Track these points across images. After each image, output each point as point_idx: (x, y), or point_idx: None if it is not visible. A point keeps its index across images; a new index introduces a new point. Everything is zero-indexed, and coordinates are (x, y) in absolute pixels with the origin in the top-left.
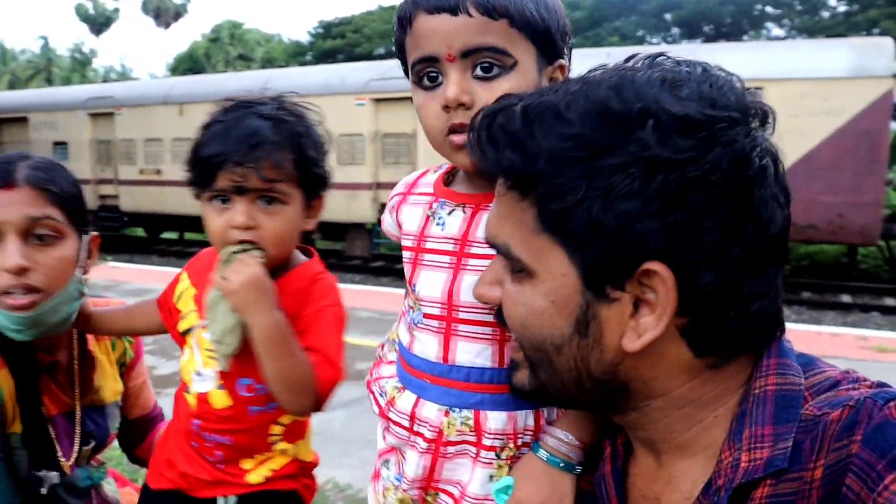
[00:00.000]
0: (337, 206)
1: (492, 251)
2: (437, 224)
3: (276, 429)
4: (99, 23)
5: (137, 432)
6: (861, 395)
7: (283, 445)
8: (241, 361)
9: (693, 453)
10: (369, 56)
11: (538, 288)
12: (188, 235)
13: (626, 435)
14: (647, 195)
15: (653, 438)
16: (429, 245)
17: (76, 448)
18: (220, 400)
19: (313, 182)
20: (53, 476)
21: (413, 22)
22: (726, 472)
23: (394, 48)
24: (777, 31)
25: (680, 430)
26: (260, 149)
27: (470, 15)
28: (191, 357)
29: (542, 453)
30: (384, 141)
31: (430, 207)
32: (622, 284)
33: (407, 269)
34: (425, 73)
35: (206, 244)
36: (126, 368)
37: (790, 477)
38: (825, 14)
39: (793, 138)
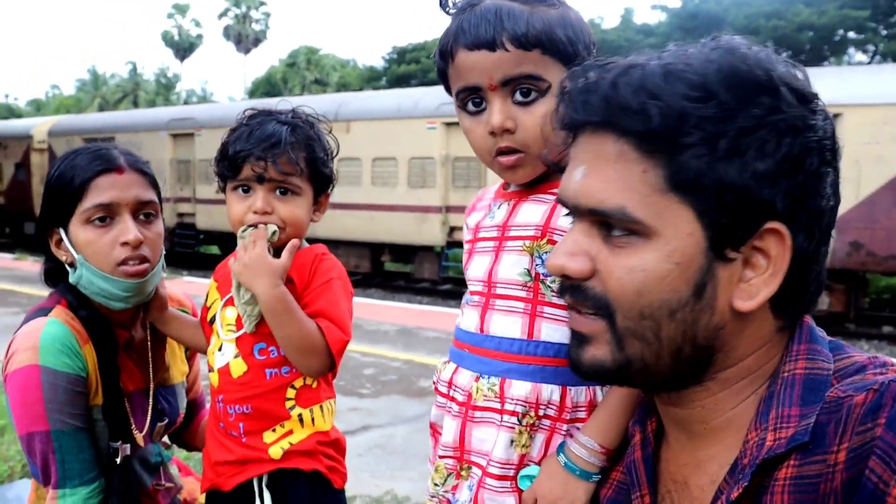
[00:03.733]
0: (407, 229)
1: (522, 230)
2: (489, 216)
3: (291, 392)
4: (183, 48)
5: (187, 415)
6: (886, 378)
7: (298, 410)
8: (256, 328)
9: (724, 437)
10: None
11: (660, 250)
12: None
13: (658, 421)
14: (779, 156)
15: (694, 419)
16: (480, 234)
17: (148, 422)
18: (238, 368)
19: (321, 179)
20: (127, 448)
21: (454, 56)
22: (751, 451)
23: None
24: (860, 56)
25: (723, 410)
26: (278, 146)
27: (506, 49)
28: (216, 340)
29: (562, 458)
30: (455, 164)
31: (490, 208)
32: (741, 244)
33: (464, 258)
34: (469, 99)
35: None
36: (190, 352)
37: (814, 459)
38: None
39: (874, 165)
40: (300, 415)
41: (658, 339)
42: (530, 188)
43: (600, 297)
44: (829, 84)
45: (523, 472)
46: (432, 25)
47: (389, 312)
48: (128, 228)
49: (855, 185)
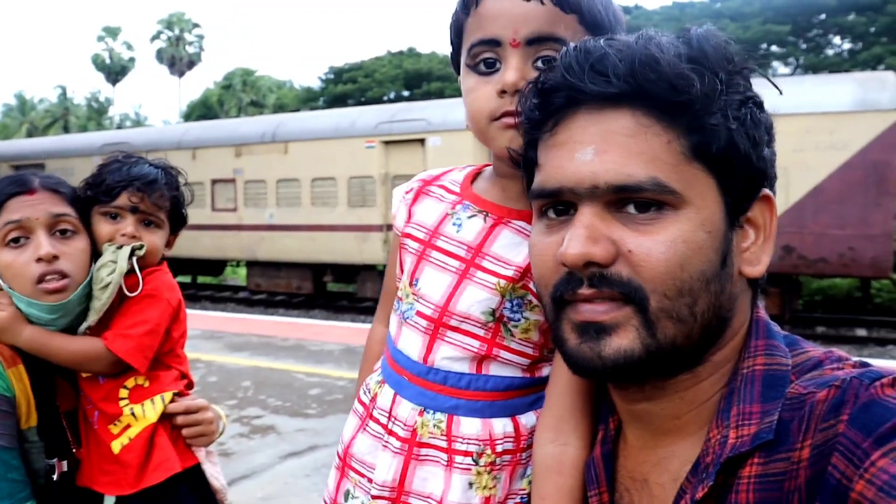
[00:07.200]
0: (348, 248)
1: (500, 267)
2: (454, 224)
3: (124, 392)
4: (115, 72)
5: None
6: (847, 374)
7: (130, 407)
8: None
9: (686, 435)
10: (379, 100)
11: (693, 220)
12: (201, 279)
13: (618, 419)
14: (765, 126)
15: (667, 414)
16: (440, 243)
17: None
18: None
19: (178, 220)
20: (64, 465)
21: (481, 2)
22: (714, 450)
23: (449, 32)
24: (782, 69)
25: (698, 402)
26: (155, 184)
27: (543, 3)
28: None
29: None
30: (394, 183)
31: (453, 207)
32: (745, 212)
33: (409, 259)
34: (482, 58)
35: (218, 287)
36: None
37: (778, 457)
38: (829, 52)
39: (799, 172)
40: (132, 410)
41: (693, 316)
42: (513, 207)
43: (629, 282)
44: None
45: None
46: (368, 44)
47: (333, 332)
48: (40, 244)
49: (784, 191)
